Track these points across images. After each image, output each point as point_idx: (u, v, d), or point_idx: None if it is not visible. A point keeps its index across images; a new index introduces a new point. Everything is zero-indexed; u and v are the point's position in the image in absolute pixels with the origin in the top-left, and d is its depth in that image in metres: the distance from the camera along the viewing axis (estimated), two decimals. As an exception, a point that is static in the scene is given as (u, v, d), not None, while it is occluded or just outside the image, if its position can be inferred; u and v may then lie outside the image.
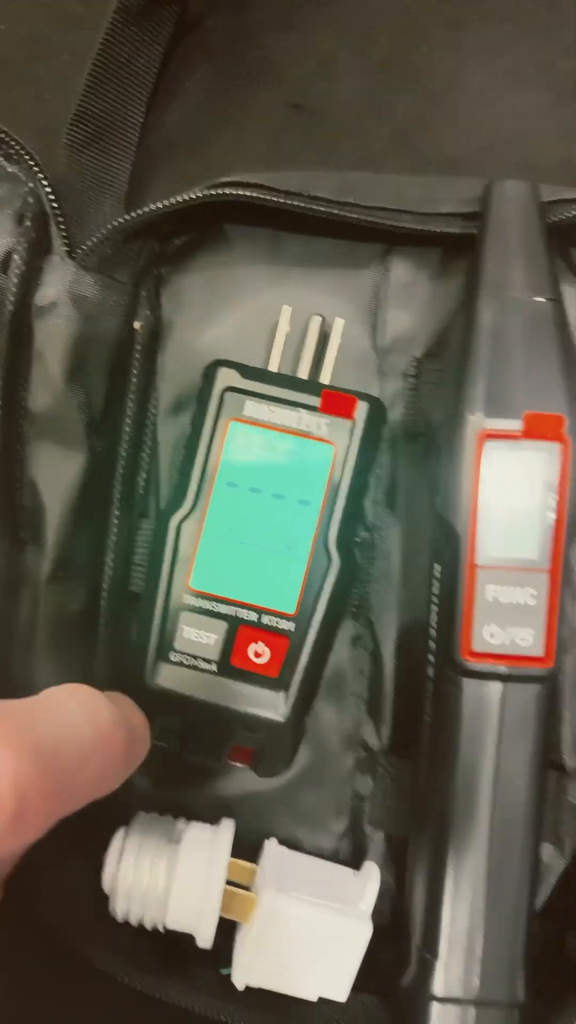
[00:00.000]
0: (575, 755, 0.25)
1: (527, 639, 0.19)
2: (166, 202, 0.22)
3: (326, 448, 0.23)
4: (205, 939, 0.22)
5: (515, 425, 0.19)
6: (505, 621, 0.19)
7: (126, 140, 0.26)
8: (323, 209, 0.23)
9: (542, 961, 0.25)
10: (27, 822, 0.14)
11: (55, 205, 0.23)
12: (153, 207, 0.23)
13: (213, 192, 0.22)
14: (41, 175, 0.23)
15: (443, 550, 0.20)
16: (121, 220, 0.23)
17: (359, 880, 0.24)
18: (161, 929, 0.23)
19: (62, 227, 0.24)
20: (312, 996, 0.23)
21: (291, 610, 0.23)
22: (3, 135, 0.23)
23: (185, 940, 0.23)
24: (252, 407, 0.23)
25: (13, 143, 0.23)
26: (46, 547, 0.24)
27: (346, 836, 0.26)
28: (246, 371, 0.23)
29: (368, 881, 0.24)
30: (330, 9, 0.27)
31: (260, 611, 0.23)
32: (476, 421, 0.19)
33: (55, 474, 0.24)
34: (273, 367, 0.24)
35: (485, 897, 0.21)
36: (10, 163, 0.24)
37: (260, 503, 0.23)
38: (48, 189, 0.23)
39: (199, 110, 0.27)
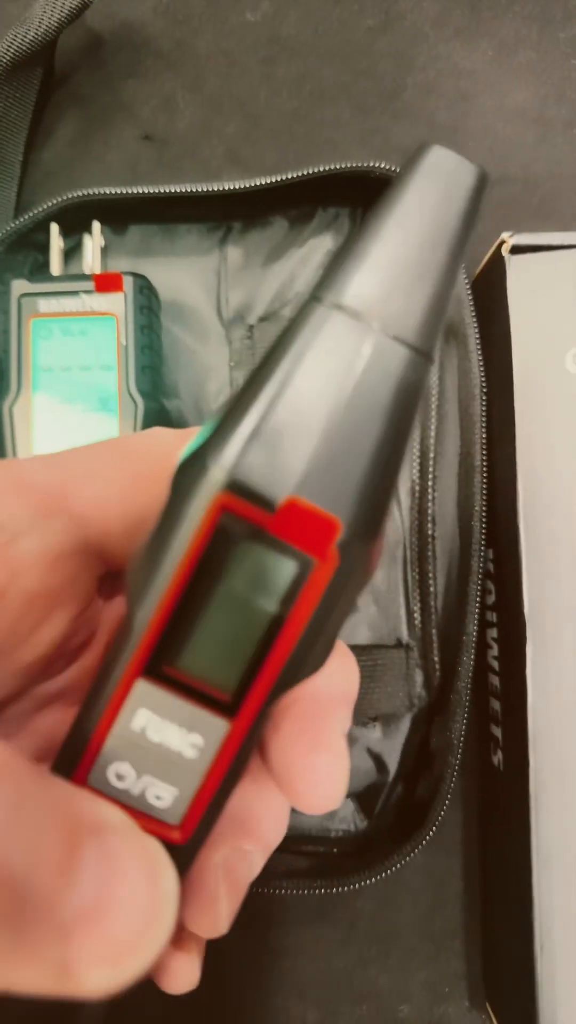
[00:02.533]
0: (408, 633, 0.31)
1: (164, 798, 0.13)
2: (23, 218, 0.29)
3: (109, 320, 0.28)
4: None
5: (268, 506, 0.11)
6: (144, 766, 0.13)
7: (9, 175, 0.32)
8: (144, 191, 0.29)
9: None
10: None
11: (-50, 229, 0.29)
12: (15, 224, 0.29)
13: (53, 202, 0.29)
14: None
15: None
16: (-2, 236, 0.29)
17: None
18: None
19: (-44, 245, 0.30)
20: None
21: None
22: None
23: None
24: (44, 303, 0.28)
25: None
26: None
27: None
28: (33, 278, 0.29)
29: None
30: (168, 59, 0.34)
31: None
32: (218, 476, 0.11)
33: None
34: (55, 272, 0.30)
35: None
36: None
37: (72, 377, 0.28)
38: (-58, 217, 0.29)
39: (70, 147, 0.34)
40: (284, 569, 0.11)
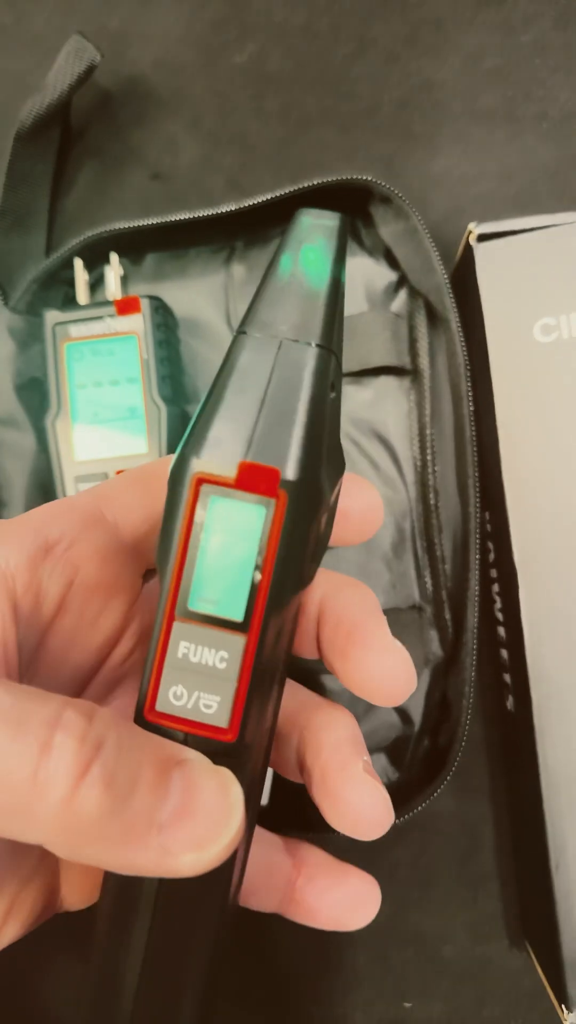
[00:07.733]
0: (420, 596, 0.33)
1: (212, 706, 0.16)
2: (52, 257, 0.33)
3: (131, 338, 0.33)
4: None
5: (229, 472, 0.16)
6: (192, 684, 0.16)
7: (38, 223, 0.37)
8: (152, 222, 0.33)
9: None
10: None
11: (-9, 274, 0.34)
12: (46, 263, 0.34)
13: (76, 241, 0.33)
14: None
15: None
16: (32, 277, 0.34)
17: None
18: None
19: (-2, 287, 0.34)
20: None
21: (145, 450, 0.33)
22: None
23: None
24: (75, 329, 0.33)
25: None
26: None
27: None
28: (63, 308, 0.34)
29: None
30: (168, 105, 0.38)
31: (127, 458, 0.33)
32: (194, 463, 0.16)
33: (16, 452, 0.34)
34: (82, 301, 0.35)
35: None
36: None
37: (103, 392, 0.33)
38: (-17, 264, 0.34)
39: (89, 192, 0.38)
40: (252, 512, 0.16)
